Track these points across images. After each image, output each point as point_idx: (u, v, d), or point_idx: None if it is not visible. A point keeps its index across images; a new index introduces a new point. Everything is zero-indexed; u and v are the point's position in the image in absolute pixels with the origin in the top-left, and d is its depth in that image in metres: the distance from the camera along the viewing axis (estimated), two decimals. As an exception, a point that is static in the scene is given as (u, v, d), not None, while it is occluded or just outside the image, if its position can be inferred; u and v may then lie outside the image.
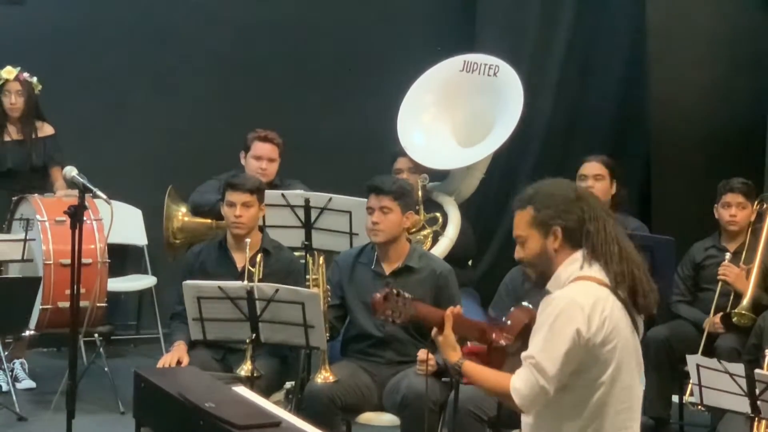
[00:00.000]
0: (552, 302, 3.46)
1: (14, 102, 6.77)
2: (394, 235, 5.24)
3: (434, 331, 3.79)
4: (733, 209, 6.19)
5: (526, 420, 3.62)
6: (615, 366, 3.48)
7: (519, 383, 3.45)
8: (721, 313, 5.99)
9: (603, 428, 3.49)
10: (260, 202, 5.53)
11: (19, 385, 6.64)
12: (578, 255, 3.51)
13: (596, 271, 3.50)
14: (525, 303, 3.79)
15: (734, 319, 5.93)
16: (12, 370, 6.69)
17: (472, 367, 3.64)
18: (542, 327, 3.45)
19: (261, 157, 6.40)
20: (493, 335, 3.73)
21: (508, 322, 3.71)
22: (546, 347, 3.42)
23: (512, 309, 3.79)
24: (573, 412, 3.49)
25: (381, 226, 5.21)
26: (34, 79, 6.83)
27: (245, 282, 5.16)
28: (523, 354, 3.48)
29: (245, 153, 6.45)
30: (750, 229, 6.21)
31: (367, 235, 5.34)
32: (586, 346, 3.42)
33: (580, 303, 3.42)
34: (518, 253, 3.60)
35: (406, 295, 3.89)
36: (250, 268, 5.35)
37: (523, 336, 3.59)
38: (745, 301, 5.96)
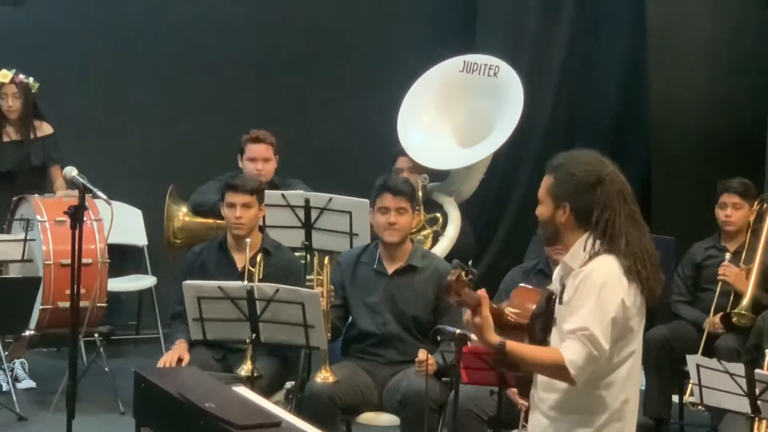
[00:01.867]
0: (591, 275, 3.49)
1: (11, 105, 6.78)
2: (407, 234, 5.29)
3: (467, 313, 3.64)
4: (728, 210, 6.20)
5: (550, 396, 3.59)
6: (639, 338, 3.58)
7: (573, 356, 3.45)
8: (720, 313, 5.99)
9: (630, 396, 3.58)
10: (260, 203, 5.54)
11: (19, 385, 6.64)
12: (591, 235, 3.55)
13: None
14: (522, 284, 3.80)
15: (734, 319, 5.93)
16: (12, 370, 6.69)
17: (516, 346, 3.55)
18: (588, 299, 3.47)
19: (255, 159, 6.41)
20: (509, 318, 3.71)
21: (516, 298, 3.70)
22: (597, 318, 3.45)
23: (513, 291, 3.78)
24: (608, 381, 3.54)
25: (398, 225, 5.25)
26: (30, 80, 6.82)
27: (245, 282, 5.17)
28: (571, 327, 3.46)
29: (241, 156, 6.46)
30: (750, 229, 6.21)
31: (380, 235, 5.34)
32: (626, 316, 3.50)
33: (618, 275, 3.49)
34: (537, 210, 3.66)
35: (471, 274, 3.75)
36: (250, 268, 5.36)
37: (535, 314, 3.59)
38: (745, 301, 5.96)
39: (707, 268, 6.24)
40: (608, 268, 3.50)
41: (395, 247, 5.29)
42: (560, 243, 3.64)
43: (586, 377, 3.49)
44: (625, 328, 3.52)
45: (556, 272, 3.71)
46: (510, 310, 3.68)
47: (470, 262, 6.96)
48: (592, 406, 3.55)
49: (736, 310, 5.94)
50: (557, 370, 3.48)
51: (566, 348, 3.47)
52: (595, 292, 3.46)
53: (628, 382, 3.57)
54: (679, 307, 6.25)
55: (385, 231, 5.28)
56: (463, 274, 3.63)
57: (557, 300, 3.61)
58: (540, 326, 3.60)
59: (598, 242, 3.52)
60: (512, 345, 3.54)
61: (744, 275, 6.02)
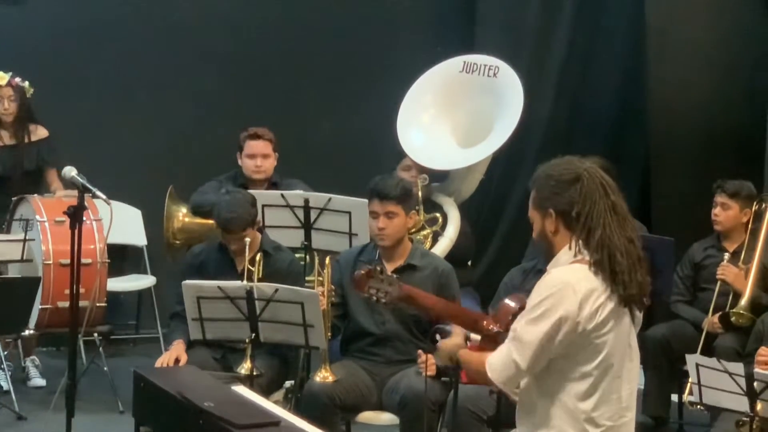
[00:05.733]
0: (547, 281, 3.42)
1: (7, 107, 6.78)
2: (400, 238, 5.27)
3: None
4: (717, 209, 6.22)
5: (518, 405, 3.59)
6: (605, 355, 3.43)
7: (493, 357, 3.44)
8: (719, 313, 6.00)
9: (594, 415, 3.44)
10: (257, 220, 5.54)
11: (29, 383, 6.68)
12: (574, 235, 3.46)
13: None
14: (514, 294, 3.80)
15: (733, 319, 5.94)
16: (24, 369, 6.73)
17: (464, 353, 3.67)
18: (532, 303, 3.41)
19: (254, 155, 6.42)
20: (484, 323, 3.74)
21: (500, 309, 3.72)
22: (530, 322, 3.38)
23: (504, 299, 3.80)
24: (562, 396, 3.44)
25: (387, 231, 5.22)
26: (26, 83, 6.81)
27: (245, 282, 5.17)
28: (513, 326, 3.45)
29: (240, 153, 6.47)
30: (749, 229, 6.22)
31: (373, 240, 5.34)
32: (575, 331, 3.37)
33: (574, 287, 3.38)
34: (533, 231, 3.58)
35: (392, 275, 3.85)
36: (250, 267, 5.36)
37: (508, 324, 3.59)
38: (744, 300, 5.96)
39: (706, 267, 6.25)
40: (566, 279, 3.39)
41: (393, 247, 5.29)
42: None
43: (513, 382, 3.43)
44: (577, 344, 3.39)
45: None
46: (494, 316, 3.72)
47: (470, 263, 6.98)
48: (543, 416, 3.45)
49: (734, 310, 5.95)
50: (482, 375, 3.47)
51: (495, 351, 3.45)
52: (542, 298, 3.38)
53: (592, 401, 3.42)
54: (679, 307, 6.25)
55: (375, 237, 5.29)
56: (378, 270, 3.81)
57: None
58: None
59: (581, 240, 3.43)
60: (462, 353, 3.68)
61: (743, 275, 6.02)
